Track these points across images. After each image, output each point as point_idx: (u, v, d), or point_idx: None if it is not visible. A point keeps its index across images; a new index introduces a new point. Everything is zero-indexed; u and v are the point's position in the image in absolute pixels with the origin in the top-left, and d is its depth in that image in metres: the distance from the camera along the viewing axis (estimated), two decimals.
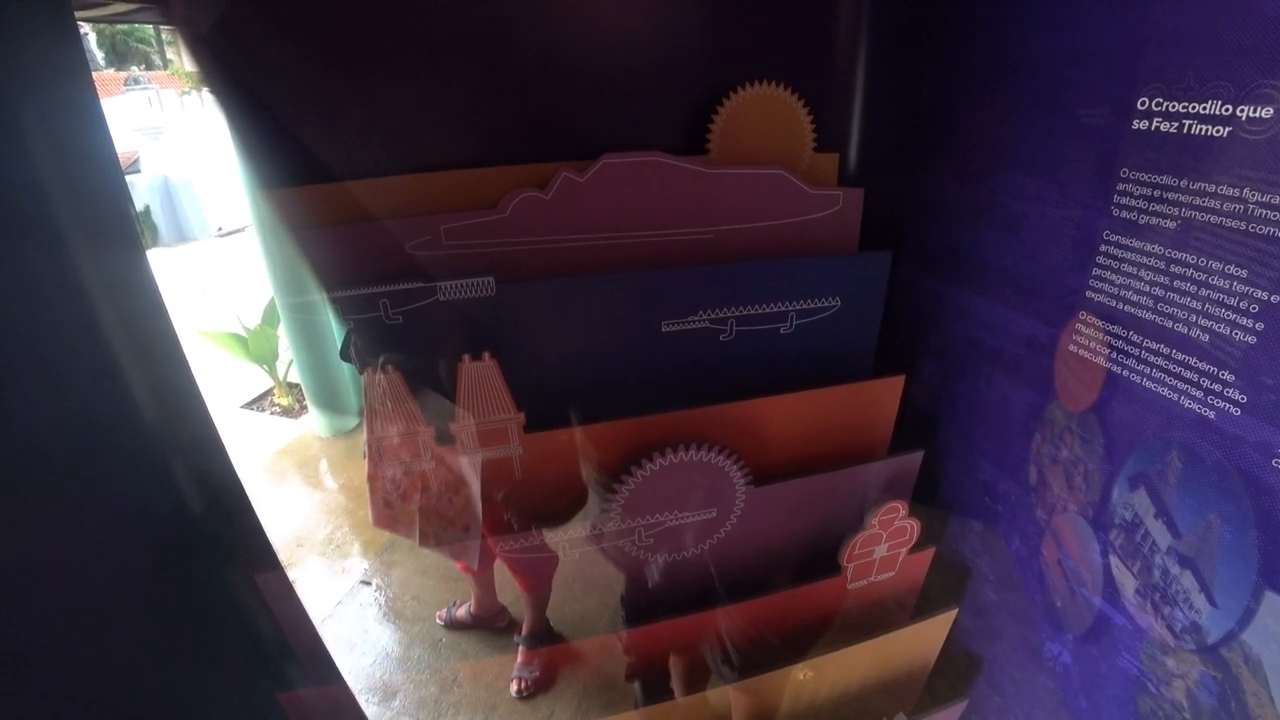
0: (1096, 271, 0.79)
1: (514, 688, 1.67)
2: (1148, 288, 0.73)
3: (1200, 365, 0.68)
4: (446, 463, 0.97)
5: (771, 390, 1.01)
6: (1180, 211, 0.68)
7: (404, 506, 1.01)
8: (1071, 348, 0.85)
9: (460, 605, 1.89)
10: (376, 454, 0.97)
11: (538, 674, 1.68)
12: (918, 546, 1.11)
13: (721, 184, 0.97)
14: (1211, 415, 0.68)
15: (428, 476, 0.98)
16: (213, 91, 0.82)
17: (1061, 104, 0.81)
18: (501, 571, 1.80)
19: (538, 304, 0.94)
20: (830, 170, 1.06)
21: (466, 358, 0.90)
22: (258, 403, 3.44)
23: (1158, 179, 0.69)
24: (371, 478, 1.00)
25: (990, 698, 1.15)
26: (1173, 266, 0.69)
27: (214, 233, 6.49)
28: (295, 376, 3.17)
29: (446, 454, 0.96)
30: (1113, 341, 0.78)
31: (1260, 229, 0.60)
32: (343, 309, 0.88)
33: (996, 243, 0.95)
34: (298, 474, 2.81)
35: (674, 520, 1.02)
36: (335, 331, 2.66)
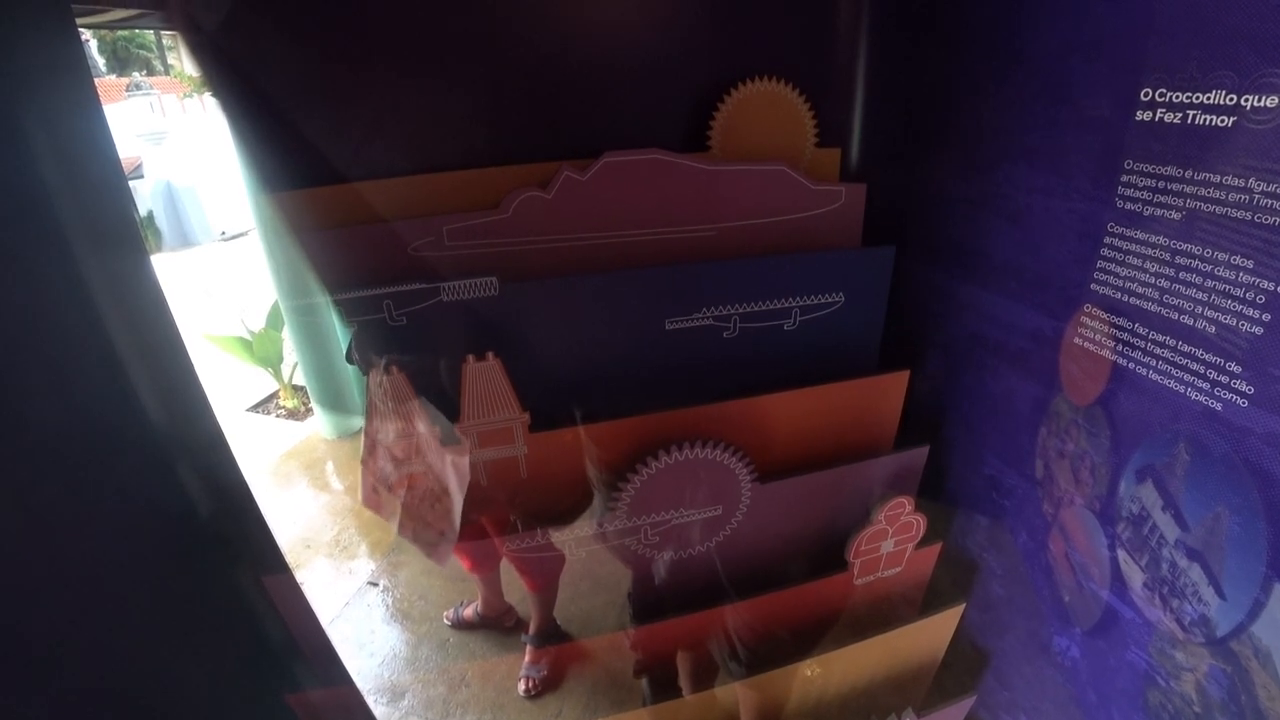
0: (1101, 264, 0.79)
1: (522, 686, 1.68)
2: (1153, 279, 0.72)
3: (1207, 357, 0.68)
4: (433, 472, 0.98)
5: (776, 387, 1.01)
6: (1185, 202, 0.67)
7: (390, 496, 1.02)
8: (1077, 340, 0.84)
9: (467, 605, 1.89)
10: (371, 445, 0.98)
11: (545, 672, 1.68)
12: (924, 542, 1.11)
13: (723, 181, 0.96)
14: (1218, 407, 0.67)
15: (415, 479, 0.99)
16: (215, 95, 0.83)
17: (1064, 95, 0.80)
18: (508, 571, 1.80)
19: (541, 303, 0.94)
20: (832, 165, 1.06)
21: (471, 358, 0.90)
22: (263, 406, 3.45)
23: (1162, 170, 0.69)
24: (365, 463, 1.01)
25: (998, 692, 1.15)
26: (1178, 258, 0.69)
27: (217, 237, 6.52)
28: (300, 379, 3.19)
29: (434, 463, 0.97)
30: (1118, 334, 0.78)
31: (1266, 219, 0.60)
32: (346, 311, 0.88)
33: (1000, 236, 0.95)
34: (304, 476, 2.82)
35: (680, 518, 1.02)
36: (340, 334, 2.67)
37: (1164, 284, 0.71)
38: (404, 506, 1.02)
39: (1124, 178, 0.74)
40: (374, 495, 1.04)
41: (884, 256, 1.05)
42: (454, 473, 0.96)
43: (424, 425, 0.94)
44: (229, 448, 0.73)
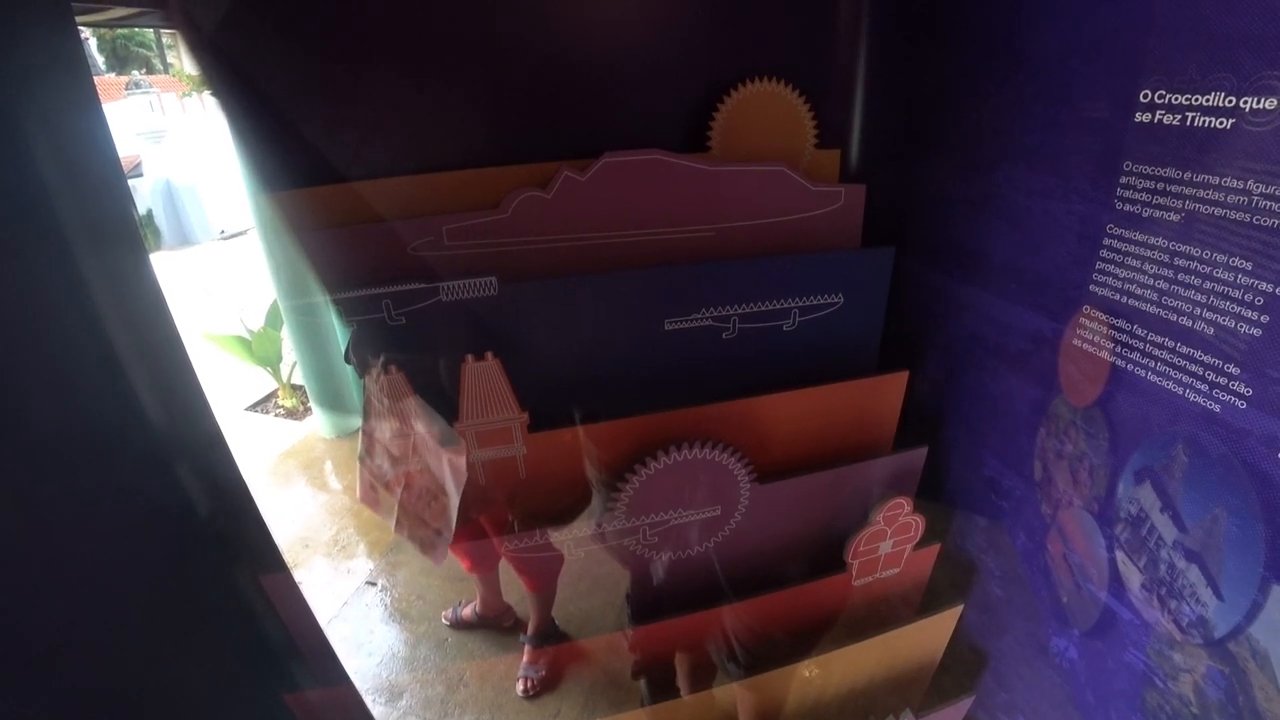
0: (1100, 265, 0.79)
1: (520, 687, 1.67)
2: (1152, 281, 0.72)
3: (1205, 359, 0.68)
4: (429, 470, 0.98)
5: (775, 387, 1.01)
6: (1184, 204, 0.67)
7: (386, 494, 1.02)
8: (1076, 342, 0.84)
9: (466, 605, 1.89)
10: (369, 444, 0.98)
11: (544, 673, 1.68)
12: (923, 543, 1.11)
13: (723, 181, 0.96)
14: (1217, 409, 0.67)
15: (412, 476, 0.99)
16: (214, 94, 0.83)
17: (1064, 97, 0.80)
18: (507, 571, 1.80)
19: (540, 303, 0.94)
20: (832, 166, 1.06)
21: (470, 358, 0.90)
22: (262, 405, 3.45)
23: (1161, 172, 0.69)
24: (363, 461, 1.01)
25: (996, 693, 1.15)
26: (1177, 259, 0.69)
27: (216, 236, 6.51)
28: (299, 378, 3.18)
29: (430, 462, 0.97)
30: (1117, 335, 0.78)
31: (1264, 221, 0.60)
32: (345, 311, 0.88)
33: (1000, 237, 0.95)
34: (302, 475, 2.82)
35: (678, 518, 1.02)
36: (339, 333, 2.67)
37: (1163, 286, 0.71)
38: (400, 505, 1.02)
39: (1123, 179, 0.74)
40: (371, 492, 1.04)
41: (883, 257, 1.05)
42: (451, 473, 0.96)
43: (421, 425, 0.94)
44: (227, 447, 0.73)
